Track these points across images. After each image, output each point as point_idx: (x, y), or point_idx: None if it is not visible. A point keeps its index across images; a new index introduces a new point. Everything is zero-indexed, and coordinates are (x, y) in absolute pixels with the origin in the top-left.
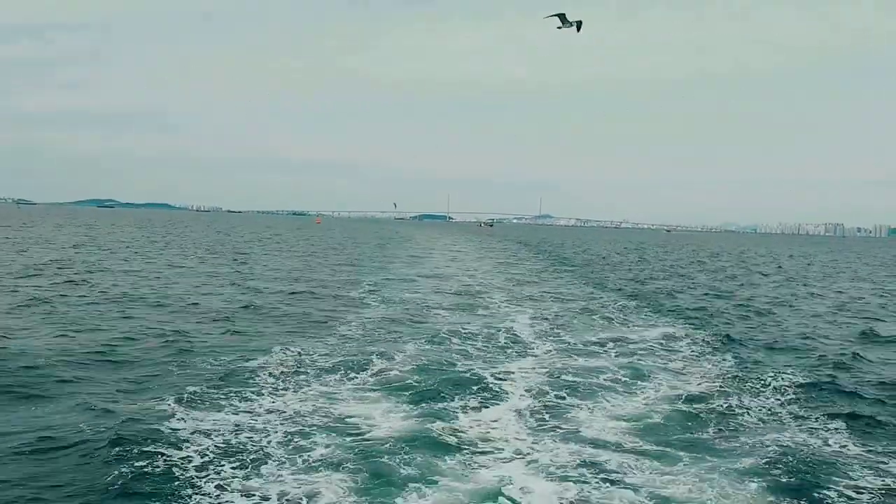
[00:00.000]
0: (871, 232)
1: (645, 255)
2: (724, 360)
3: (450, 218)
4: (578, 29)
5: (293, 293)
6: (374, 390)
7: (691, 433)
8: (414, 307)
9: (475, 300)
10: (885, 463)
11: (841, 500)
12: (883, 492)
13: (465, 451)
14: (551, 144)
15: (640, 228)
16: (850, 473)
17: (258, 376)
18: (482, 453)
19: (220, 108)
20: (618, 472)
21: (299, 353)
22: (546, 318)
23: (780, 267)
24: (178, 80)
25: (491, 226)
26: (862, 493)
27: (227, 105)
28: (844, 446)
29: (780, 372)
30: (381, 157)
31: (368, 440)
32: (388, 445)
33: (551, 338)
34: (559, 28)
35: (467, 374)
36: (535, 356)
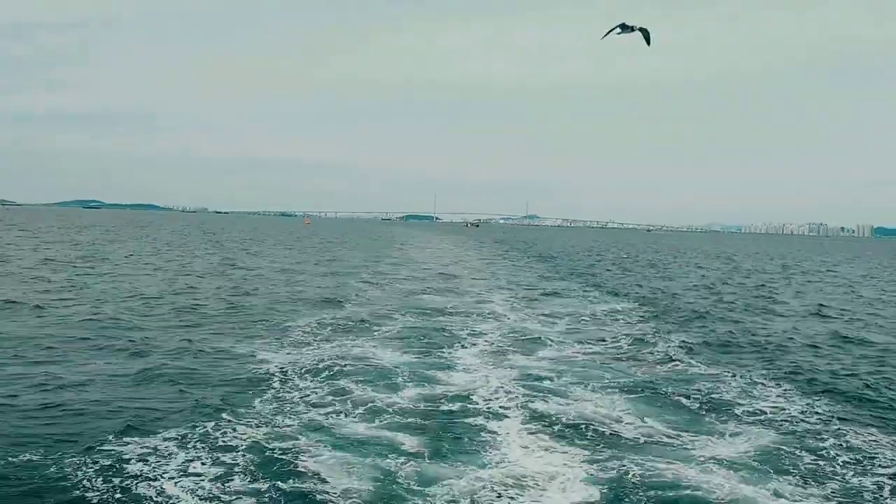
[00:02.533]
0: (854, 232)
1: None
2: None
3: (436, 218)
4: (647, 40)
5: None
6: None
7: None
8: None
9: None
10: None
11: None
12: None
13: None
14: (538, 145)
15: (625, 228)
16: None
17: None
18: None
19: (208, 108)
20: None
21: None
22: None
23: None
24: (165, 80)
25: (477, 226)
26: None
27: (215, 105)
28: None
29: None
30: (368, 158)
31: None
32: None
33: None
34: (618, 34)
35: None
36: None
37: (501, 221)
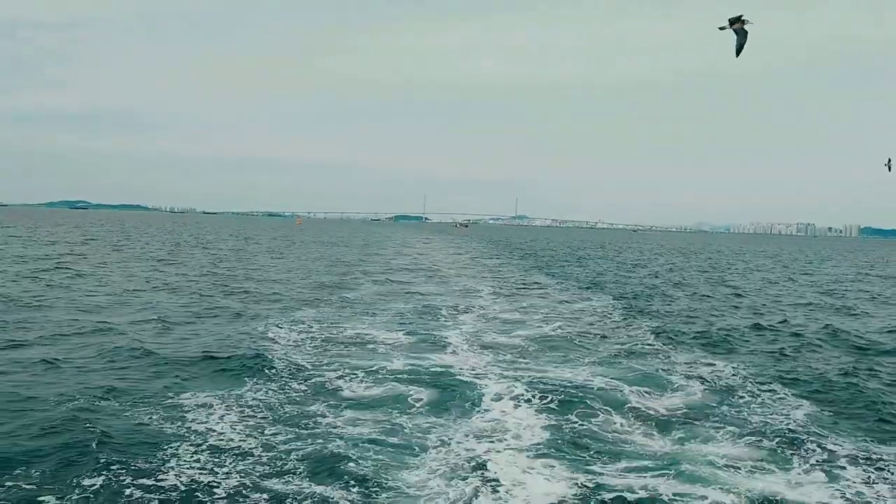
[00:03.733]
0: (841, 232)
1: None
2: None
3: (426, 219)
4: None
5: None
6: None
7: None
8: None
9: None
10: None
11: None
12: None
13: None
14: (528, 145)
15: (614, 228)
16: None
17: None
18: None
19: (197, 107)
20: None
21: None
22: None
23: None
24: (154, 80)
25: (466, 226)
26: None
27: (203, 105)
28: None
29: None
30: (356, 158)
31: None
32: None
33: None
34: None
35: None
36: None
37: (491, 221)
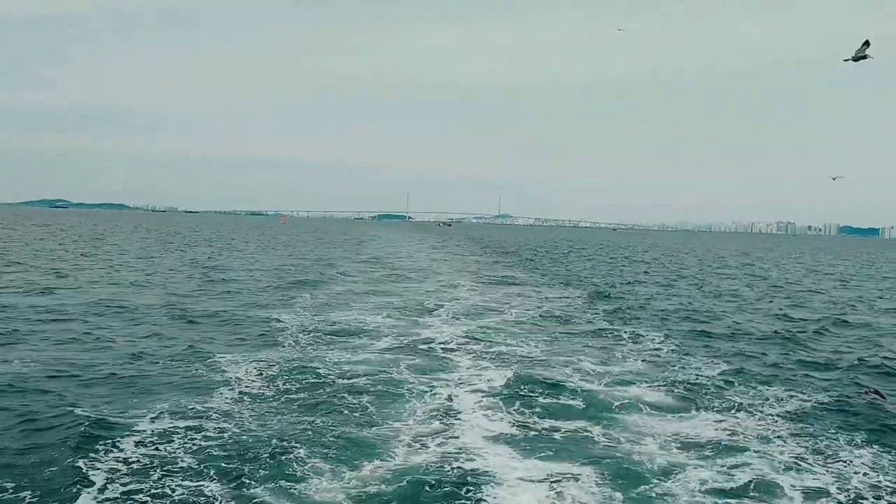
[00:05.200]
0: (821, 230)
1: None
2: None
3: (409, 218)
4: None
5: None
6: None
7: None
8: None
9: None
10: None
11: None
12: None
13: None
14: (511, 144)
15: (597, 227)
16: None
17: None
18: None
19: (180, 106)
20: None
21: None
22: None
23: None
24: (135, 79)
25: (449, 225)
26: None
27: (187, 104)
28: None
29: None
30: (340, 157)
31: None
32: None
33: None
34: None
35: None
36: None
37: (474, 220)
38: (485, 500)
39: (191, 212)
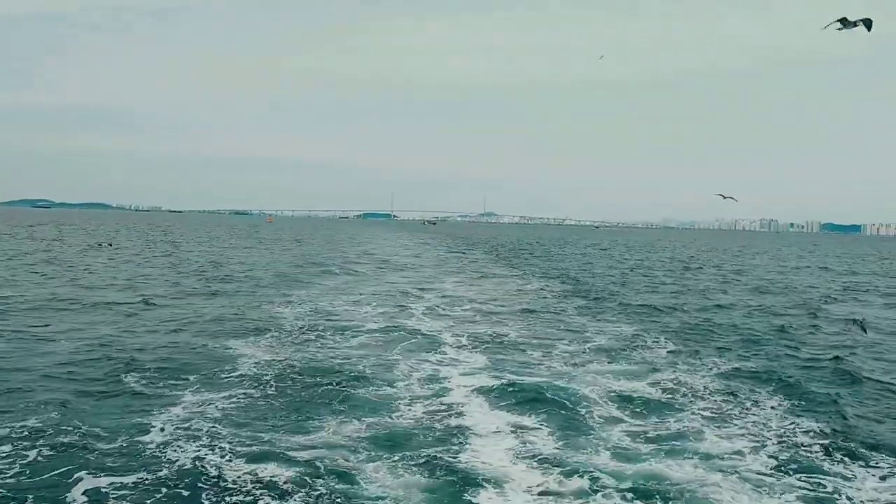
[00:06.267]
0: (803, 227)
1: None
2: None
3: (394, 216)
4: (868, 27)
5: None
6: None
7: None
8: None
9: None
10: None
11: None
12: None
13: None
14: (496, 143)
15: (581, 225)
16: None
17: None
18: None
19: (163, 105)
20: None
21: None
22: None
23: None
24: (119, 77)
25: (434, 224)
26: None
27: (169, 102)
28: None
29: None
30: (324, 156)
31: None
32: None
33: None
34: (839, 30)
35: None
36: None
37: (459, 219)
38: (465, 445)
39: (175, 211)
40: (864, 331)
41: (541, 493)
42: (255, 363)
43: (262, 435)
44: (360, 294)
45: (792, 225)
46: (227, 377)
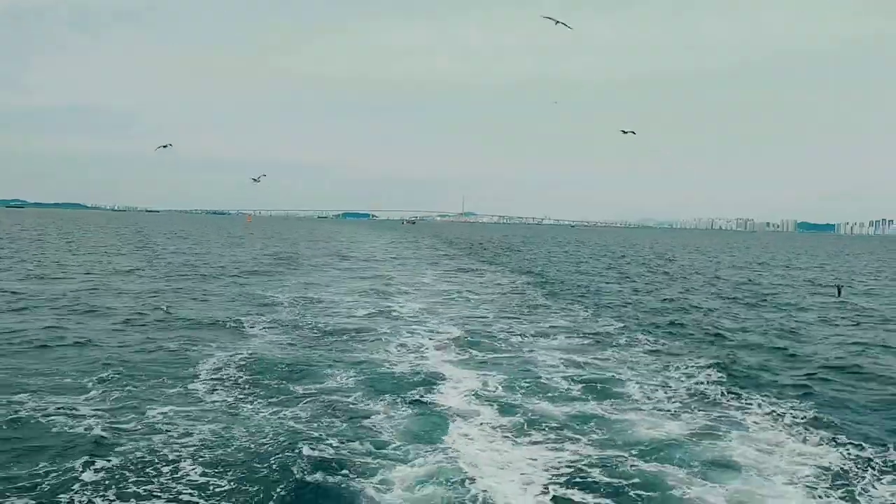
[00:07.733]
0: (779, 226)
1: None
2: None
3: (373, 216)
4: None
5: None
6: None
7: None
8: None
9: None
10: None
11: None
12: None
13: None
14: (475, 143)
15: (560, 225)
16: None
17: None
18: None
19: (141, 105)
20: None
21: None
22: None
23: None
24: (95, 76)
25: (413, 223)
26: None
27: (147, 102)
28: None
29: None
30: (302, 156)
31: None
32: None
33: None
34: (556, 24)
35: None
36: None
37: (438, 218)
38: (437, 391)
39: (152, 211)
40: (839, 292)
41: (488, 423)
42: (267, 332)
43: (280, 383)
44: (345, 283)
45: (768, 224)
46: (243, 341)
